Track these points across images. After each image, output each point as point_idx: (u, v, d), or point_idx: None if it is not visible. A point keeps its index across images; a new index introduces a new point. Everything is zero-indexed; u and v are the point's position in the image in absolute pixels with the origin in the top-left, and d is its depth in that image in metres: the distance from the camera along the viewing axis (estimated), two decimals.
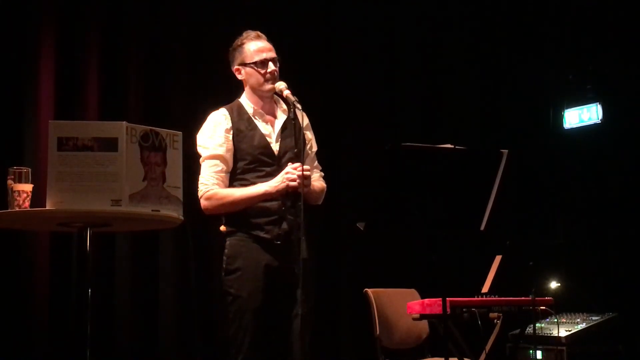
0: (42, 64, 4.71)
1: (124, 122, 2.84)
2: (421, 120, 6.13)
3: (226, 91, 4.85)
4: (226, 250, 3.57)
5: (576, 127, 6.06)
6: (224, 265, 3.57)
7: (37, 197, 2.97)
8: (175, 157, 2.94)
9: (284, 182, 3.44)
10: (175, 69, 5.23)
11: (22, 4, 4.71)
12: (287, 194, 3.46)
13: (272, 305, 3.49)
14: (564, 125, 6.12)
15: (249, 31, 3.68)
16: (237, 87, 3.88)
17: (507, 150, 3.23)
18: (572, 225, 6.13)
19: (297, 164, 3.44)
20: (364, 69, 5.95)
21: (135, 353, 4.85)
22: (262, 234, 3.50)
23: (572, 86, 6.06)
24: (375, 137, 5.68)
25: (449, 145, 3.21)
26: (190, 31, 5.31)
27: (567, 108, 6.09)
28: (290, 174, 3.43)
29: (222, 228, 3.60)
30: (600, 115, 5.89)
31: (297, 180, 3.40)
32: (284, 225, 3.48)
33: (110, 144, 2.80)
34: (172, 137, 2.95)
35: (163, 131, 2.94)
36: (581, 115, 6.02)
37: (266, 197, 3.49)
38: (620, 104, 5.85)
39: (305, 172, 3.40)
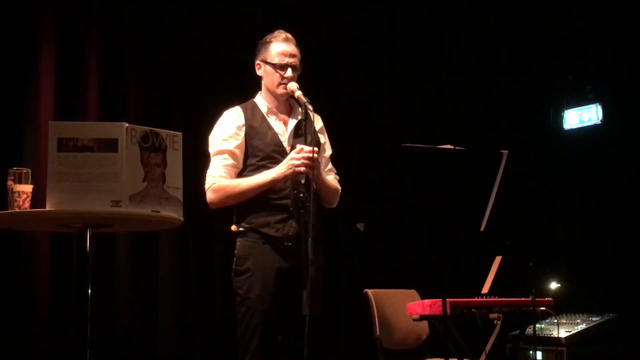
0: (42, 64, 4.71)
1: (124, 122, 2.84)
2: (421, 120, 6.13)
3: (226, 91, 4.88)
4: (236, 251, 3.57)
5: (576, 128, 6.07)
6: (234, 266, 3.57)
7: (37, 198, 2.97)
8: (175, 157, 2.94)
9: (290, 167, 3.43)
10: (175, 69, 5.23)
11: (22, 4, 4.71)
12: (298, 187, 3.45)
13: (281, 307, 3.48)
14: (564, 126, 6.12)
15: (281, 31, 3.67)
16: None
17: (507, 151, 3.23)
18: (572, 226, 6.13)
19: (301, 147, 3.43)
20: (363, 69, 5.95)
21: (135, 353, 4.85)
22: (272, 232, 3.50)
23: (572, 87, 6.07)
24: (375, 137, 5.68)
25: (449, 146, 3.20)
26: (191, 31, 5.31)
27: (567, 109, 6.10)
28: (294, 159, 3.43)
29: (233, 227, 3.59)
30: (600, 116, 5.89)
31: (303, 162, 3.39)
32: (294, 224, 3.48)
33: (110, 145, 2.80)
34: (172, 137, 2.95)
35: (163, 132, 2.94)
36: (581, 116, 6.02)
37: (273, 183, 3.48)
38: (620, 104, 5.86)
39: (310, 154, 3.38)
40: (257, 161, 3.56)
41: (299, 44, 3.68)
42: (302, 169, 3.41)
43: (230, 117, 3.63)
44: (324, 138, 3.76)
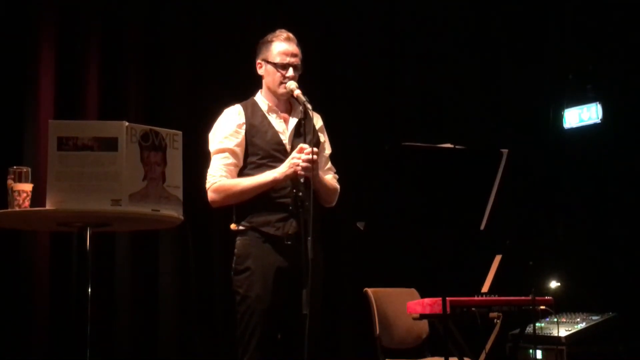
0: (42, 64, 4.71)
1: (124, 121, 2.84)
2: (421, 119, 6.13)
3: (227, 89, 4.88)
4: (236, 250, 3.57)
5: (576, 127, 6.06)
6: (234, 265, 3.57)
7: (37, 197, 2.97)
8: (175, 156, 2.95)
9: (291, 167, 3.43)
10: (175, 68, 5.24)
11: (22, 4, 4.71)
12: (298, 187, 3.46)
13: (281, 306, 3.48)
14: (564, 125, 6.12)
15: (283, 30, 3.67)
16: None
17: (507, 150, 3.23)
18: (572, 225, 6.13)
19: (301, 145, 3.43)
20: (364, 69, 5.95)
21: (135, 353, 4.85)
22: (272, 231, 3.50)
23: (572, 86, 6.06)
24: (375, 137, 5.68)
25: (449, 145, 3.20)
26: (190, 31, 5.31)
27: (567, 108, 6.09)
28: (296, 158, 3.43)
29: (233, 226, 3.59)
30: (600, 115, 5.89)
31: (303, 164, 3.38)
32: (294, 223, 3.48)
33: (110, 144, 2.81)
34: (172, 136, 2.96)
35: (163, 131, 2.94)
36: (581, 115, 6.02)
37: (274, 183, 3.48)
38: (620, 104, 5.86)
39: (310, 156, 3.38)
40: (258, 159, 3.56)
41: (299, 43, 3.68)
42: (300, 169, 3.40)
43: (230, 115, 3.63)
44: (323, 137, 3.76)
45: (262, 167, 3.54)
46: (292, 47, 3.63)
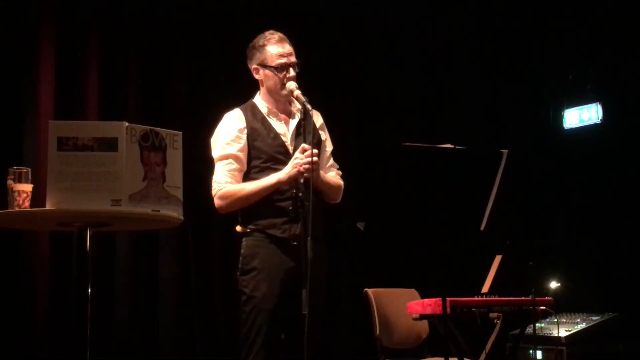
0: (42, 63, 4.71)
1: (124, 122, 2.84)
2: (421, 120, 6.13)
3: (226, 89, 4.88)
4: (242, 250, 3.57)
5: (576, 127, 6.06)
6: (240, 265, 3.56)
7: (37, 197, 2.97)
8: (175, 157, 2.95)
9: (295, 167, 3.43)
10: (175, 68, 5.24)
11: (22, 3, 4.71)
12: (298, 188, 3.46)
13: (286, 306, 3.48)
14: (564, 126, 6.12)
15: (273, 32, 3.64)
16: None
17: (507, 150, 3.23)
18: (572, 225, 6.13)
19: (303, 145, 3.43)
20: (364, 69, 5.95)
21: (135, 353, 4.85)
22: (278, 234, 3.50)
23: (572, 86, 6.07)
24: (375, 137, 5.68)
25: (449, 145, 3.20)
26: (190, 31, 5.31)
27: (567, 108, 6.10)
28: (299, 159, 3.43)
29: (238, 228, 3.59)
30: (600, 115, 5.89)
31: (306, 166, 3.39)
32: (300, 224, 3.47)
33: (110, 144, 2.81)
34: (172, 137, 2.95)
35: (163, 131, 2.94)
36: (581, 115, 6.02)
37: (279, 185, 3.48)
38: (620, 104, 5.86)
39: (313, 156, 3.39)
40: (261, 163, 3.56)
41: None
42: (303, 169, 3.41)
43: (231, 120, 3.62)
44: (324, 135, 3.76)
45: (266, 170, 3.54)
46: (287, 48, 3.61)
